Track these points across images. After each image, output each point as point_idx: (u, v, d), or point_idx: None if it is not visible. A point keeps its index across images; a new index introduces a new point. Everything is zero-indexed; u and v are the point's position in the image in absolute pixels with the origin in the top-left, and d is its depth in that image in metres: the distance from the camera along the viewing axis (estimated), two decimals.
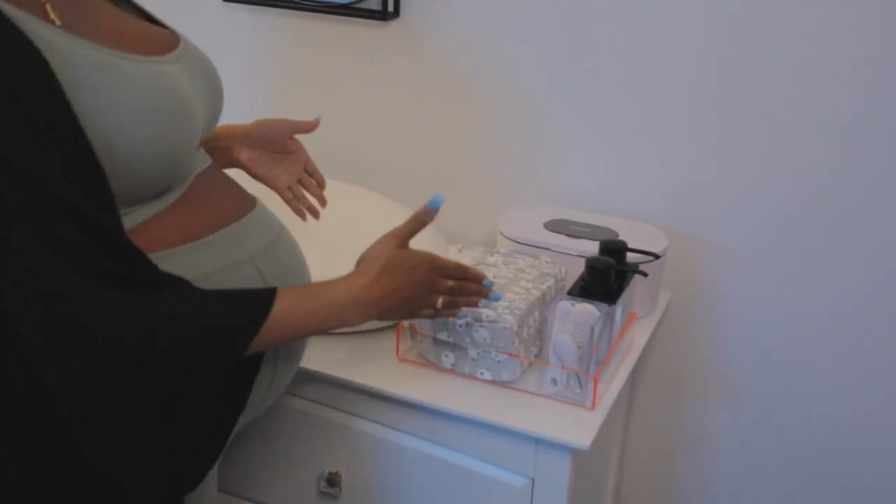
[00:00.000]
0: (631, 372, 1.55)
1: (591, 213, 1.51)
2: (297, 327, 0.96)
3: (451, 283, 1.08)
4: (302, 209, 1.31)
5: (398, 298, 1.02)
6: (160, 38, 1.02)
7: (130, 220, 0.92)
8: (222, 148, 1.24)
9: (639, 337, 1.37)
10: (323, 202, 1.34)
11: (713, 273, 1.50)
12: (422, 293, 1.05)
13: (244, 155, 1.26)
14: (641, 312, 1.41)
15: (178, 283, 0.91)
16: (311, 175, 1.33)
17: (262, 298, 0.93)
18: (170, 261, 0.94)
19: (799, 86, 1.35)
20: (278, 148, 1.28)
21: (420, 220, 1.07)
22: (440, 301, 1.08)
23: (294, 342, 1.05)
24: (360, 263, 1.04)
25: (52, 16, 0.89)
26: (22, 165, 0.79)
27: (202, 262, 0.97)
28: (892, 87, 1.30)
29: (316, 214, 1.33)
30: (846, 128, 1.34)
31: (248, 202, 1.08)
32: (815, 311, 1.45)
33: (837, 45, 1.31)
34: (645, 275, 1.24)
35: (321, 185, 1.34)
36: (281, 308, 0.93)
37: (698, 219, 1.47)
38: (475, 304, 1.13)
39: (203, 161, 1.06)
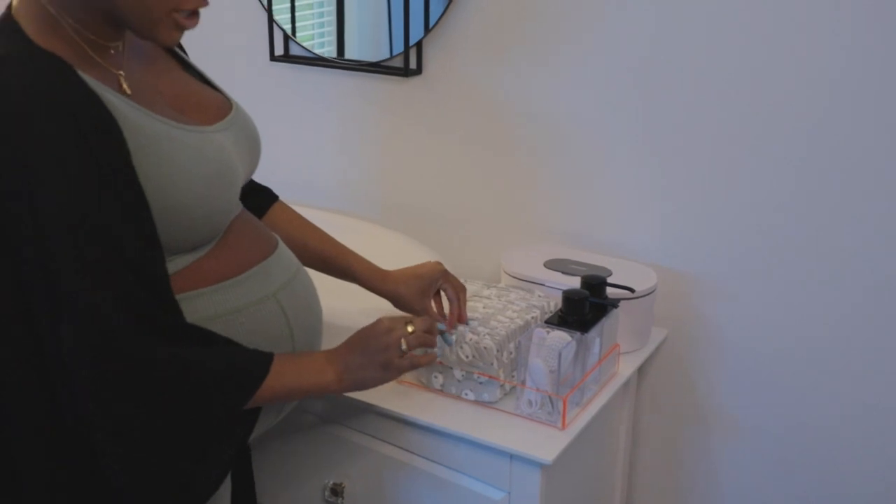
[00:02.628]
0: (633, 400, 1.65)
1: (593, 254, 1.62)
2: (290, 384, 1.09)
3: (409, 327, 1.16)
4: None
5: (358, 353, 1.14)
6: (215, 104, 1.16)
7: (172, 266, 1.05)
8: (365, 283, 1.36)
9: (626, 368, 1.46)
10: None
11: (713, 311, 1.58)
12: (380, 342, 1.14)
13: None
14: (631, 347, 1.50)
15: (197, 334, 1.04)
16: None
17: (263, 358, 1.08)
18: (204, 298, 1.08)
19: (789, 129, 1.44)
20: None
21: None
22: (404, 343, 1.15)
23: (288, 400, 1.16)
24: None
25: (125, 86, 1.04)
26: (99, 222, 0.94)
27: (232, 299, 1.11)
28: (878, 130, 1.38)
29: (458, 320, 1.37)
30: (834, 166, 1.43)
31: (271, 243, 1.21)
32: (814, 346, 1.52)
33: (825, 96, 1.40)
34: (615, 306, 1.34)
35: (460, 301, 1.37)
36: (275, 367, 1.07)
37: (698, 259, 1.57)
38: (431, 343, 1.20)
39: (237, 208, 1.18)
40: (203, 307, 1.08)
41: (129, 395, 0.97)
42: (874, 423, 1.50)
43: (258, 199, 1.35)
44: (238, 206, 1.18)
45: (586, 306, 1.32)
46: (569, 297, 1.32)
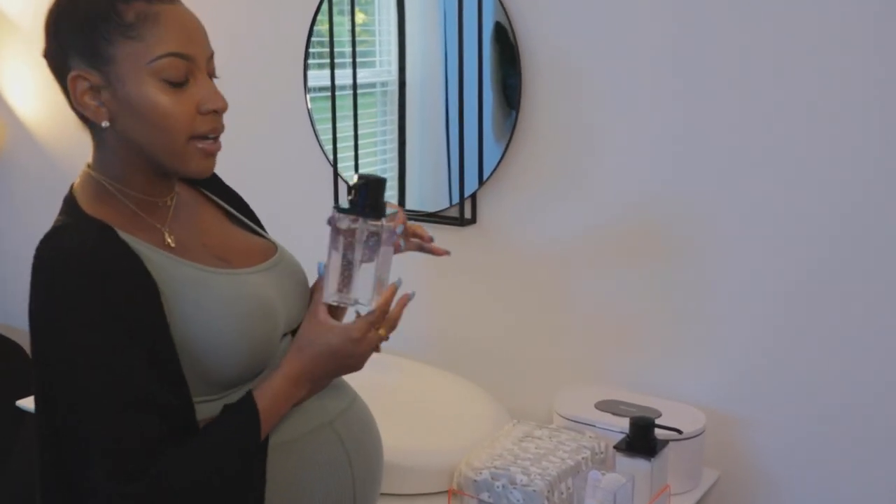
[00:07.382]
0: None
1: (644, 396, 1.66)
2: (276, 408, 1.12)
3: (382, 331, 1.17)
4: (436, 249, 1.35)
5: (329, 369, 1.15)
6: (258, 249, 1.26)
7: (228, 400, 1.13)
8: None
9: None
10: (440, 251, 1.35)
11: (763, 453, 1.60)
12: (357, 361, 1.16)
13: None
14: (682, 488, 1.52)
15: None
16: (416, 236, 1.34)
17: (248, 403, 1.11)
18: None
19: (844, 264, 1.50)
20: None
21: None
22: (380, 346, 1.18)
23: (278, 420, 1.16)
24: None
25: (169, 240, 1.15)
26: (121, 371, 1.03)
27: (288, 428, 1.16)
28: None
29: (446, 252, 1.35)
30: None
31: None
32: (871, 491, 1.53)
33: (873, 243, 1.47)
34: (680, 432, 1.43)
35: (429, 240, 1.35)
36: (260, 402, 1.11)
37: (748, 402, 1.61)
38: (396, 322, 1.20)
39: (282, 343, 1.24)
40: None
41: None
42: None
43: None
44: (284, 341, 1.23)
45: (653, 431, 1.38)
46: (636, 423, 1.38)
